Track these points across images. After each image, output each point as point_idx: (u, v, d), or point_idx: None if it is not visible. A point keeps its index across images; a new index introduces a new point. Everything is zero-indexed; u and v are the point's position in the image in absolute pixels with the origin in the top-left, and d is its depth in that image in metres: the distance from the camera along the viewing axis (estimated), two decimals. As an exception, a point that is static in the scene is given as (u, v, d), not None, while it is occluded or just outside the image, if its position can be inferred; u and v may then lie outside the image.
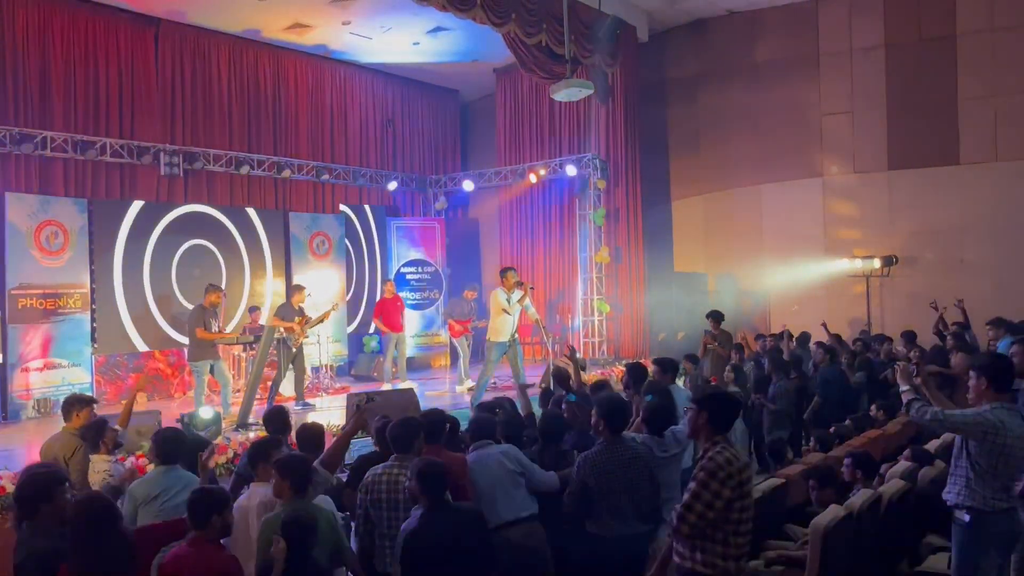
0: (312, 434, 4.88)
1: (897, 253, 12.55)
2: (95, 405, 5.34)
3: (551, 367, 9.95)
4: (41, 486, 3.54)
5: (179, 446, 4.44)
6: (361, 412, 4.37)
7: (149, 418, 7.20)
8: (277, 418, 5.22)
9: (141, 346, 10.84)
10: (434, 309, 14.24)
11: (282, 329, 9.35)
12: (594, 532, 4.14)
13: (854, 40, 13.08)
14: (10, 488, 5.93)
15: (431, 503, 3.68)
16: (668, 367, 6.34)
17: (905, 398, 4.10)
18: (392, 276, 13.94)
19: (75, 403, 5.20)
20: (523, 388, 6.47)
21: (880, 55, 12.87)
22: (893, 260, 12.52)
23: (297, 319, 9.51)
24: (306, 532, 3.52)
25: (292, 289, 10.17)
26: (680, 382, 7.60)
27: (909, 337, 9.59)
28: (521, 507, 4.29)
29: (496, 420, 4.82)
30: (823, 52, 13.34)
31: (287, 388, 9.87)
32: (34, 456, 6.57)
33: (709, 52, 14.29)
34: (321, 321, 10.18)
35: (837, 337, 10.40)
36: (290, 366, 9.63)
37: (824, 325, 10.67)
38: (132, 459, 6.18)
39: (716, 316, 10.10)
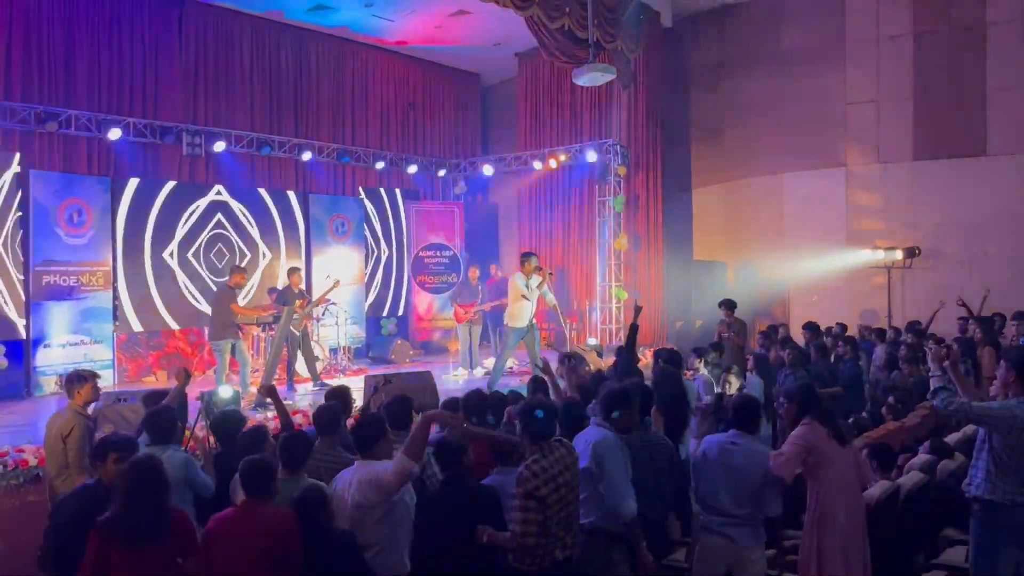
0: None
1: (920, 245, 12.38)
2: (98, 380, 5.22)
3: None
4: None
5: (172, 427, 4.37)
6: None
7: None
8: (342, 396, 5.22)
9: (164, 325, 10.95)
10: (452, 293, 14.23)
11: (296, 311, 9.38)
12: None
13: (881, 28, 12.88)
14: (33, 461, 6.01)
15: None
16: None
17: (933, 384, 4.05)
18: (410, 260, 13.90)
19: (75, 380, 5.08)
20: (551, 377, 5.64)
21: (908, 43, 12.67)
22: (915, 252, 12.36)
23: (297, 302, 9.52)
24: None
25: (289, 272, 10.15)
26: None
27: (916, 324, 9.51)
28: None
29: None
30: (849, 40, 13.14)
31: (303, 370, 9.92)
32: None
33: (733, 38, 14.13)
34: (321, 302, 10.17)
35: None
36: (298, 350, 9.65)
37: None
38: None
39: (729, 304, 10.02)
